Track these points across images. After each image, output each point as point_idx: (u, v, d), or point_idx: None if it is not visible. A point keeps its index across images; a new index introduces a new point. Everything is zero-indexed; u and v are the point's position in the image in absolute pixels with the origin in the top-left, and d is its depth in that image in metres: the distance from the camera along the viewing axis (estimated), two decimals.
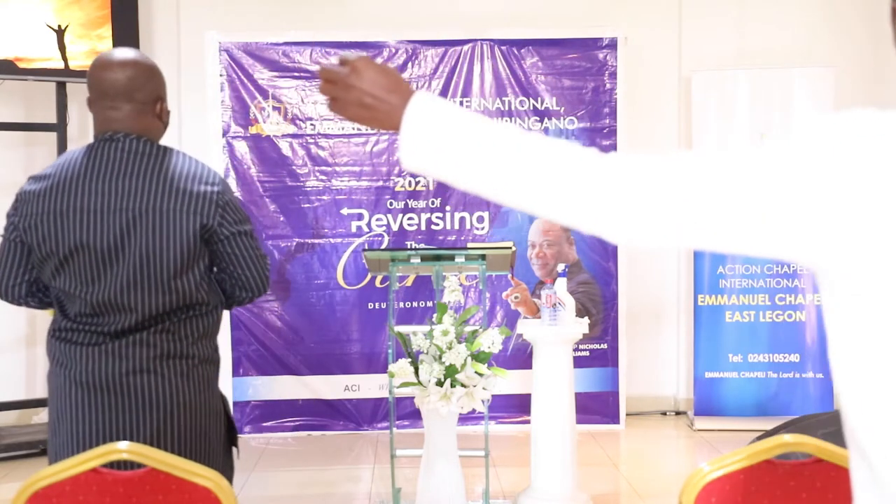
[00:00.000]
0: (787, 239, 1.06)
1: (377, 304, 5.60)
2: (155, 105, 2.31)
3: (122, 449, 1.84)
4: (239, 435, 2.78)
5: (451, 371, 3.50)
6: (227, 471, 2.39)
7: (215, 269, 2.33)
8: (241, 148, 5.59)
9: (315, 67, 5.61)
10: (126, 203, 2.20)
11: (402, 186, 5.63)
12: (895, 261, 0.99)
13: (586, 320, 4.24)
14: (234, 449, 2.44)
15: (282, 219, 5.54)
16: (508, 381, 4.02)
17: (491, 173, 1.20)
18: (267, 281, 2.38)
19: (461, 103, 5.68)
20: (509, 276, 5.24)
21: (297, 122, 5.61)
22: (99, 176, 2.22)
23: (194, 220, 2.22)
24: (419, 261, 3.97)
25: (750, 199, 1.05)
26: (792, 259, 1.08)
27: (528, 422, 4.27)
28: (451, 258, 3.96)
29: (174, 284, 2.21)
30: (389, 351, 3.90)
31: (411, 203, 5.63)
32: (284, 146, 5.60)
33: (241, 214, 2.32)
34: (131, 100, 2.26)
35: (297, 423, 5.55)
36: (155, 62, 2.39)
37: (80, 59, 5.30)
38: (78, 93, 5.64)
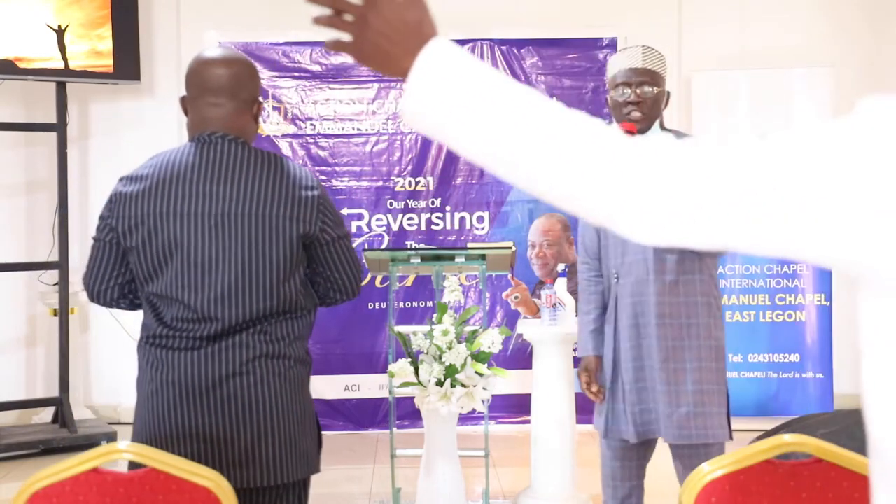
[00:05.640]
0: (837, 236, 0.92)
1: (377, 304, 5.60)
2: (253, 105, 2.29)
3: (123, 449, 1.84)
4: None
5: (451, 371, 3.50)
6: (312, 475, 2.35)
7: (309, 270, 2.31)
8: None
9: (316, 67, 5.61)
10: (227, 208, 2.17)
11: (402, 186, 5.63)
12: None
13: None
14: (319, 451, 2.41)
15: None
16: (508, 381, 4.02)
17: (500, 142, 1.04)
18: (359, 284, 2.37)
19: None
20: (509, 276, 5.23)
21: (297, 122, 5.61)
22: (199, 179, 2.19)
23: (296, 226, 2.20)
24: (419, 261, 3.97)
25: (792, 193, 0.93)
26: (835, 261, 0.95)
27: (528, 422, 4.26)
28: (451, 258, 3.95)
29: (275, 291, 2.19)
30: (389, 351, 3.89)
31: (411, 203, 5.63)
32: (284, 146, 5.60)
33: (338, 217, 2.31)
34: (234, 97, 2.24)
35: None
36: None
37: (80, 59, 5.30)
38: (78, 93, 5.65)
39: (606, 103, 2.89)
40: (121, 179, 2.26)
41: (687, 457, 2.84)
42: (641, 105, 2.76)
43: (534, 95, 1.05)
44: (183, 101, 2.30)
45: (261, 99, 2.35)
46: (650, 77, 2.79)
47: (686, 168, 0.97)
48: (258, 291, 2.18)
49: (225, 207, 2.17)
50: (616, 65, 2.84)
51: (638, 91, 2.77)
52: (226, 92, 2.23)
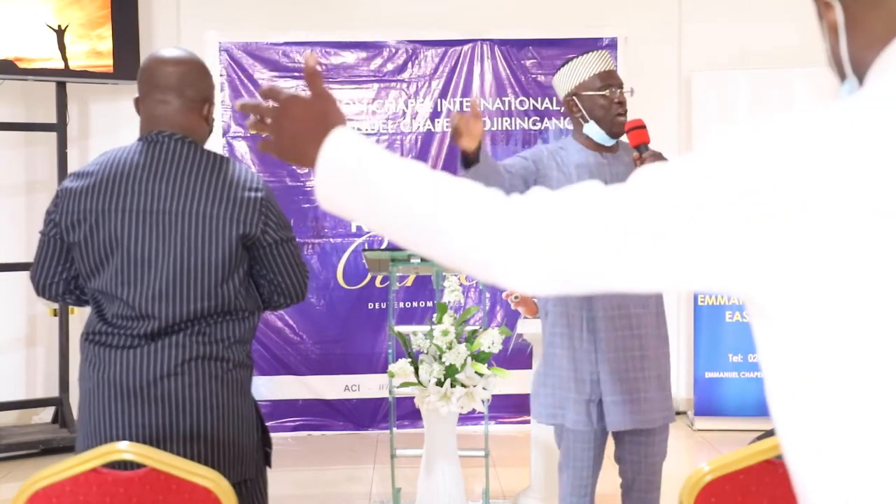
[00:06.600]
0: (717, 269, 0.93)
1: (377, 304, 5.60)
2: (203, 105, 2.29)
3: (123, 449, 1.84)
4: None
5: (451, 371, 3.50)
6: (260, 476, 2.35)
7: (253, 272, 2.30)
8: (241, 148, 5.59)
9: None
10: (169, 206, 2.18)
11: None
12: (856, 289, 0.86)
13: None
14: (268, 454, 2.39)
15: None
16: (508, 381, 4.01)
17: (394, 218, 1.12)
18: (305, 288, 2.36)
19: (461, 103, 5.69)
20: None
21: None
22: (143, 177, 2.20)
23: (237, 227, 2.19)
24: (419, 261, 3.96)
25: (671, 228, 0.94)
26: (722, 291, 0.97)
27: (528, 422, 4.27)
28: None
29: (213, 291, 2.19)
30: (389, 351, 3.90)
31: None
32: None
33: (283, 220, 2.30)
34: (182, 95, 2.24)
35: (298, 423, 5.55)
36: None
37: (80, 59, 5.30)
38: (78, 93, 5.64)
39: (574, 107, 2.87)
40: (69, 175, 2.28)
41: (645, 445, 2.86)
42: (623, 105, 2.81)
43: (421, 171, 1.12)
44: (136, 101, 2.30)
45: (212, 100, 2.34)
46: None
47: (558, 219, 1.00)
48: (196, 290, 2.17)
49: (165, 205, 2.18)
50: (595, 66, 2.85)
51: (622, 92, 2.82)
52: (173, 89, 2.24)
